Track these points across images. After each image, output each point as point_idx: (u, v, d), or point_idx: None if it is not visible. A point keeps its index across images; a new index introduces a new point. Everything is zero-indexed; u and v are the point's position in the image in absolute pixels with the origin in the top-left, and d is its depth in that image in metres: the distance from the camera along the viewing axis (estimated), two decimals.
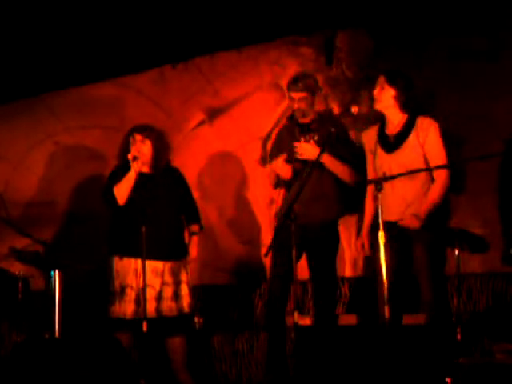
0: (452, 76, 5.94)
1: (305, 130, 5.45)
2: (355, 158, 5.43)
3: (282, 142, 5.61)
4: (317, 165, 5.16)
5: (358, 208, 5.72)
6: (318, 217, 5.32)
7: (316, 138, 5.31)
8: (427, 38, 6.05)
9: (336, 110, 6.23)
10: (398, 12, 6.08)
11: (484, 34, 5.88)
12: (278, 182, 5.67)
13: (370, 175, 5.27)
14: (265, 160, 6.40)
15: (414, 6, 6.03)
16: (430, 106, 5.82)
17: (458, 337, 5.08)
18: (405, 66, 5.82)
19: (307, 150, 5.30)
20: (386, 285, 4.53)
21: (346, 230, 5.99)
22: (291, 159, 5.42)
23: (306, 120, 5.49)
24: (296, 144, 5.35)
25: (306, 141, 5.33)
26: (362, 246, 5.31)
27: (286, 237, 5.00)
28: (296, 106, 5.45)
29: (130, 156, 5.49)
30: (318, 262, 5.32)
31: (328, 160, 5.32)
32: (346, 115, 5.85)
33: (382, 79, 5.14)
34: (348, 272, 6.08)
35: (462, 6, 5.90)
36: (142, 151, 5.53)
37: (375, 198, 4.72)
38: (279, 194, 5.71)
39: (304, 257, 5.41)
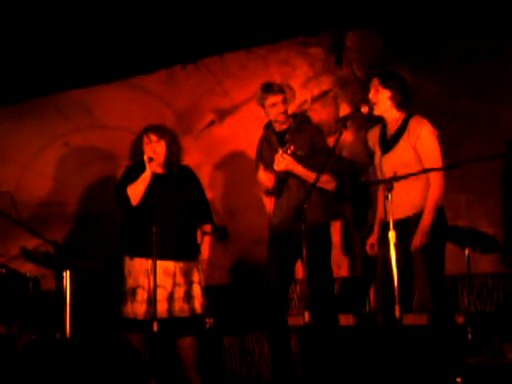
0: (460, 77, 5.95)
1: (282, 140, 5.47)
2: (333, 164, 5.42)
3: (261, 152, 5.67)
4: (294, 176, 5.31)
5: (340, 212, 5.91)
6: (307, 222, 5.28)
7: (291, 148, 5.31)
8: (436, 39, 6.06)
9: (346, 109, 6.24)
10: (406, 13, 6.09)
11: (493, 36, 5.89)
12: (268, 190, 5.64)
13: (377, 175, 5.28)
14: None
15: (422, 7, 6.04)
16: (437, 106, 5.83)
17: (469, 337, 5.08)
18: (413, 67, 5.84)
19: (283, 162, 5.33)
20: (396, 284, 4.53)
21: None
22: (272, 169, 5.45)
23: (284, 127, 5.52)
24: (275, 157, 5.36)
25: (284, 152, 5.32)
26: (372, 246, 5.26)
27: (280, 242, 5.41)
28: (273, 111, 5.47)
29: (145, 157, 5.48)
30: (313, 265, 5.30)
31: (303, 172, 5.37)
32: (355, 115, 5.83)
33: (375, 81, 5.11)
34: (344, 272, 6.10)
35: (473, 8, 5.90)
36: (156, 151, 5.53)
37: (385, 198, 4.70)
38: (270, 202, 5.70)
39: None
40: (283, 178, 5.46)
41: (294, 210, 5.32)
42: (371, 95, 5.10)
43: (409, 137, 5.02)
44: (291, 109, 5.72)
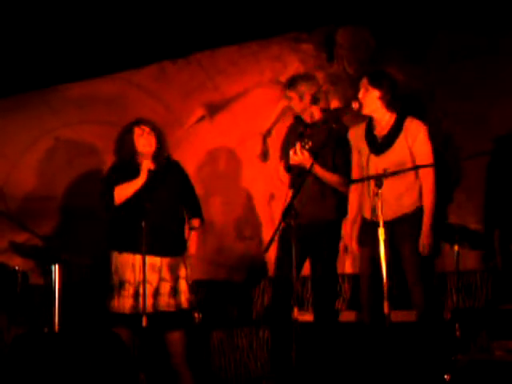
0: (451, 75, 5.96)
1: (302, 134, 5.39)
2: (348, 164, 5.41)
3: (289, 144, 5.54)
4: (309, 173, 5.14)
5: None
6: (318, 217, 5.28)
7: (310, 144, 5.16)
8: (426, 37, 6.06)
9: (337, 106, 6.24)
10: (398, 9, 6.09)
11: (483, 34, 5.89)
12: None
13: (355, 174, 5.21)
14: (265, 155, 6.41)
15: (413, 4, 6.04)
16: (427, 105, 5.84)
17: (457, 333, 5.09)
18: (404, 65, 5.85)
19: (298, 156, 5.20)
20: (385, 281, 4.54)
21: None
22: (288, 165, 5.36)
23: (312, 119, 5.44)
24: (291, 150, 5.26)
25: (302, 147, 5.19)
26: (345, 247, 5.24)
27: (290, 235, 5.15)
28: (302, 104, 5.39)
29: (149, 149, 5.46)
30: (319, 261, 5.31)
31: (319, 171, 5.27)
32: (346, 111, 5.83)
33: (365, 81, 5.08)
34: (348, 269, 6.09)
35: (463, 7, 5.91)
36: (151, 143, 5.50)
37: (375, 195, 4.69)
38: (287, 195, 5.63)
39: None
40: (300, 173, 5.30)
41: (310, 202, 5.28)
42: (360, 95, 5.08)
43: (406, 138, 5.01)
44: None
